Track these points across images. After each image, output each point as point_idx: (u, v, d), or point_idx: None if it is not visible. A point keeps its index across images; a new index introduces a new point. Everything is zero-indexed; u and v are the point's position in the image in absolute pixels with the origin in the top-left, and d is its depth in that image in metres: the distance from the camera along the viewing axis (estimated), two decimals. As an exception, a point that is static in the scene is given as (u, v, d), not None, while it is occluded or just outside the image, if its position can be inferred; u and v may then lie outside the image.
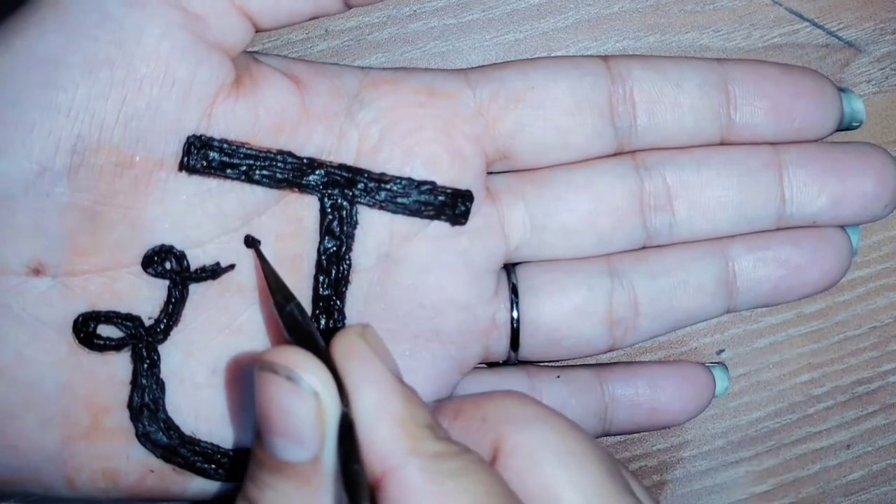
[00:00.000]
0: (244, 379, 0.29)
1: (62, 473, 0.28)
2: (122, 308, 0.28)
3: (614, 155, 0.32)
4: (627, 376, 0.33)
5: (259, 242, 0.29)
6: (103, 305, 0.28)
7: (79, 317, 0.27)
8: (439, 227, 0.30)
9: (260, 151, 0.28)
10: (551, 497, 0.25)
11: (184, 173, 0.27)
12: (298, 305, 0.26)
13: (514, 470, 0.25)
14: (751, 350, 0.36)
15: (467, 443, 0.25)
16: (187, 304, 0.28)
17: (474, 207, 0.30)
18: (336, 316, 0.29)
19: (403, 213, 0.29)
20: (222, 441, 0.29)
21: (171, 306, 0.28)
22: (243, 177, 0.28)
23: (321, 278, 0.29)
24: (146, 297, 0.28)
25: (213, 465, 0.29)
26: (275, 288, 0.27)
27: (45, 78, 0.26)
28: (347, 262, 0.29)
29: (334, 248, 0.29)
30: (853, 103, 0.32)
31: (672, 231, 0.32)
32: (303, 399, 0.23)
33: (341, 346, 0.24)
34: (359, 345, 0.24)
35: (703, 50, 0.34)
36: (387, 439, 0.23)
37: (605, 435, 0.33)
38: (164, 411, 0.28)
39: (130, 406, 0.28)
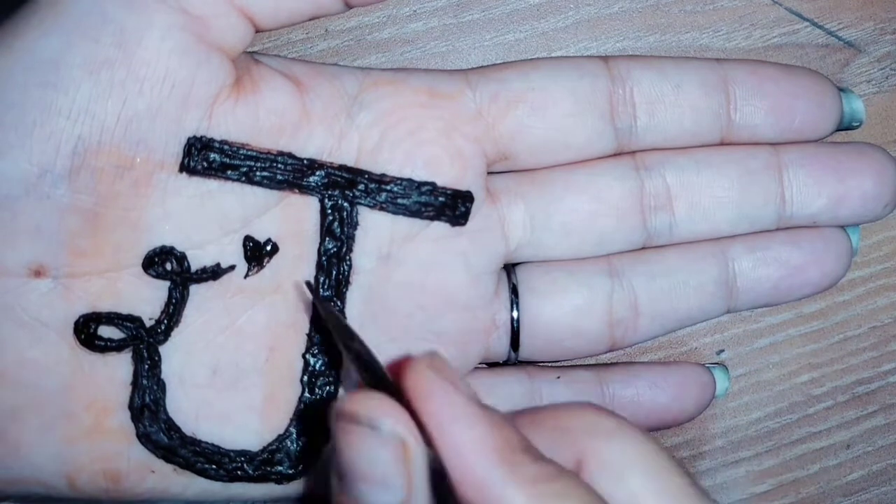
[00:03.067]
0: (246, 379, 0.29)
1: (63, 474, 0.28)
2: (123, 309, 0.28)
3: (614, 155, 0.32)
4: (628, 377, 0.33)
5: (259, 246, 0.29)
6: (104, 307, 0.28)
7: (80, 318, 0.27)
8: (439, 227, 0.30)
9: (260, 153, 0.28)
10: None
11: (184, 175, 0.27)
12: (362, 342, 0.26)
13: (601, 484, 0.24)
14: (751, 350, 0.36)
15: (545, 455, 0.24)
16: (188, 305, 0.28)
17: (474, 208, 0.30)
18: (336, 317, 0.29)
19: (404, 214, 0.29)
20: (223, 441, 0.29)
21: (171, 307, 0.28)
22: (244, 178, 0.28)
23: (321, 279, 0.29)
24: (147, 299, 0.28)
25: (214, 466, 0.29)
26: (338, 329, 0.26)
27: (45, 79, 0.26)
28: (348, 262, 0.29)
29: (335, 249, 0.29)
30: (853, 103, 0.32)
31: (672, 231, 0.32)
32: (387, 445, 0.22)
33: (415, 384, 0.23)
34: (431, 379, 0.23)
35: (703, 50, 0.34)
36: (483, 472, 0.22)
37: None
38: (165, 412, 0.28)
39: (131, 407, 0.28)
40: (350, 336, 0.26)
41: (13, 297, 0.27)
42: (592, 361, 0.34)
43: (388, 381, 0.24)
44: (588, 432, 0.25)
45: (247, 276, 0.29)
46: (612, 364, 0.34)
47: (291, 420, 0.29)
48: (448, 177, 0.30)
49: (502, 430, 0.23)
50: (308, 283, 0.29)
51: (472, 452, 0.22)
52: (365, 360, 0.25)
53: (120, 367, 0.28)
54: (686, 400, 0.33)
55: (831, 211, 0.32)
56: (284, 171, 0.28)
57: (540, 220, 0.31)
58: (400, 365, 0.24)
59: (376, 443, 0.22)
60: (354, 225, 0.29)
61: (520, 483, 0.22)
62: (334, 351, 0.29)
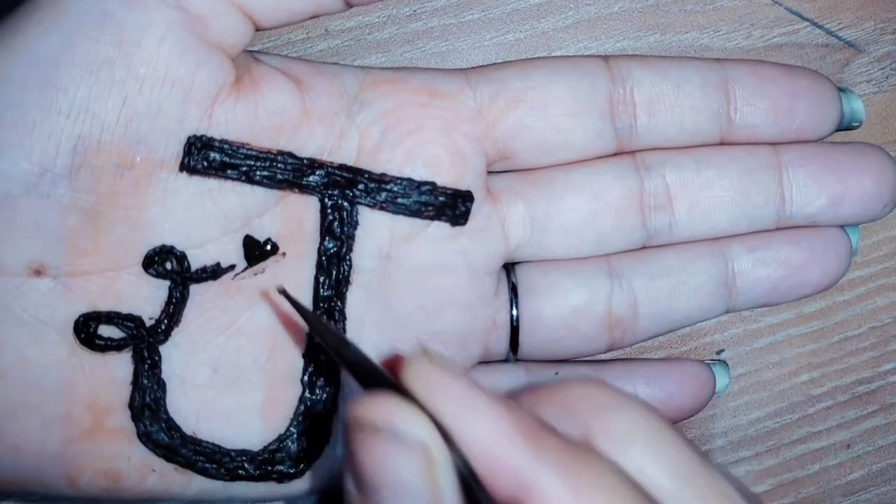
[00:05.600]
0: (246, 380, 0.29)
1: (64, 473, 0.28)
2: (123, 308, 0.28)
3: (614, 155, 0.32)
4: (626, 373, 0.33)
5: (259, 245, 0.29)
6: (104, 306, 0.28)
7: (80, 317, 0.27)
8: (439, 227, 0.30)
9: (260, 152, 0.28)
10: (645, 479, 0.23)
11: (184, 174, 0.27)
12: (356, 346, 0.24)
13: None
14: (751, 350, 0.36)
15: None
16: (188, 304, 0.28)
17: (474, 208, 0.30)
18: (337, 317, 0.29)
19: (404, 214, 0.29)
20: (224, 441, 0.29)
21: (171, 307, 0.28)
22: (244, 177, 0.28)
23: (321, 279, 0.29)
24: (147, 298, 0.28)
25: (214, 465, 0.29)
26: (324, 334, 0.25)
27: (44, 78, 0.26)
28: (348, 262, 0.29)
29: (335, 249, 0.29)
30: (853, 103, 0.32)
31: (672, 231, 0.32)
32: (411, 452, 0.21)
33: (418, 379, 0.22)
34: (434, 374, 0.22)
35: (703, 50, 0.34)
36: (508, 457, 0.21)
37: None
38: (166, 411, 0.28)
39: (132, 406, 0.28)
40: (342, 343, 0.25)
41: (13, 297, 0.27)
42: (592, 359, 0.34)
43: (391, 383, 0.23)
44: (593, 407, 0.24)
45: (236, 275, 0.29)
46: (611, 360, 0.34)
47: (292, 420, 0.29)
48: (448, 176, 0.30)
49: (517, 414, 0.22)
50: (284, 293, 0.27)
51: (496, 441, 0.21)
52: (362, 366, 0.24)
53: (120, 366, 0.28)
54: (685, 396, 0.33)
55: (831, 211, 0.32)
56: (284, 171, 0.28)
57: (540, 219, 0.31)
58: (393, 364, 0.23)
59: (398, 449, 0.21)
60: (354, 224, 0.29)
61: (546, 461, 0.21)
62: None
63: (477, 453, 0.21)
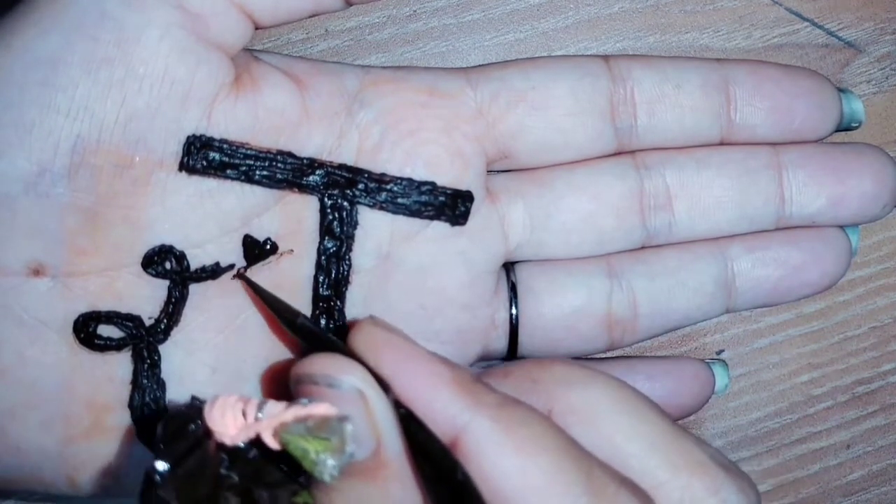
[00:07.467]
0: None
1: (63, 472, 0.28)
2: (123, 308, 0.28)
3: (614, 155, 0.32)
4: (625, 371, 0.33)
5: (259, 245, 0.29)
6: (103, 305, 0.28)
7: (79, 317, 0.27)
8: (439, 227, 0.30)
9: (260, 151, 0.28)
10: (614, 449, 0.25)
11: (184, 173, 0.27)
12: (306, 317, 0.27)
13: (572, 429, 0.25)
14: (751, 350, 0.36)
15: None
16: (187, 303, 0.28)
17: (474, 207, 0.30)
18: (336, 316, 0.29)
19: (403, 214, 0.29)
20: (222, 440, 0.29)
21: (171, 306, 0.28)
22: (243, 177, 0.28)
23: (321, 278, 0.29)
24: (146, 297, 0.28)
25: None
26: (278, 309, 0.27)
27: (43, 78, 0.26)
28: (347, 262, 0.29)
29: (334, 249, 0.29)
30: (852, 104, 0.32)
31: (671, 231, 0.32)
32: (348, 400, 0.23)
33: (362, 340, 0.24)
34: (377, 333, 0.24)
35: (703, 50, 0.34)
36: (447, 404, 0.23)
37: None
38: (165, 410, 0.28)
39: (131, 405, 0.28)
40: (294, 314, 0.27)
41: (12, 297, 0.27)
42: (592, 358, 0.34)
43: (340, 346, 0.25)
44: (557, 382, 0.26)
45: (234, 276, 0.29)
46: (610, 358, 0.34)
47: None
48: (448, 176, 0.30)
49: (454, 368, 0.24)
50: (240, 273, 0.29)
51: (432, 388, 0.23)
52: (313, 333, 0.26)
53: (120, 365, 0.28)
54: (684, 394, 0.33)
55: (830, 211, 0.32)
56: (284, 171, 0.28)
57: (540, 219, 0.31)
58: (345, 331, 0.25)
59: (337, 400, 0.23)
60: (354, 224, 0.29)
61: (484, 407, 0.23)
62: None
63: (415, 402, 0.23)
